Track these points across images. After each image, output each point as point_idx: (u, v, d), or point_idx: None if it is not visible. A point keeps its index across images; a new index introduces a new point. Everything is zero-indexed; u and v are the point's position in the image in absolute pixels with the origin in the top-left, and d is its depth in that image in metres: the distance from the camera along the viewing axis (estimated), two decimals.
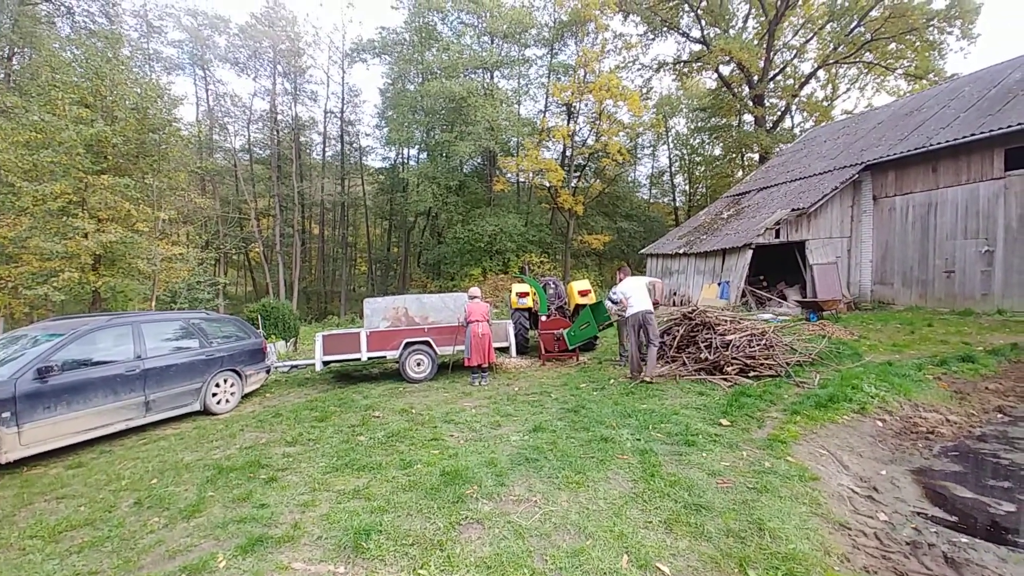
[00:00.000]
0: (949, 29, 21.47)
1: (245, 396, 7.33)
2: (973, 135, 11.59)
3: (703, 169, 38.09)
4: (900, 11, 21.22)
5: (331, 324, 23.34)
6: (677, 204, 39.49)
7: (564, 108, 27.90)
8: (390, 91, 31.20)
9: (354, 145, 33.74)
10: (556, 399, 6.67)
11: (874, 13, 23.51)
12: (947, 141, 12.16)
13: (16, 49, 18.50)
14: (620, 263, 11.76)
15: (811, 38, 27.63)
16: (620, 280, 7.94)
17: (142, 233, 9.77)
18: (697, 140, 37.57)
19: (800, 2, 26.41)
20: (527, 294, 10.23)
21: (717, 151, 36.65)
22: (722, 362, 7.39)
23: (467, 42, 25.45)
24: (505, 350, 8.56)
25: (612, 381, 7.50)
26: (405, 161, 34.34)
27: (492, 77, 26.19)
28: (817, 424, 5.41)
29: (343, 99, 30.80)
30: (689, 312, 8.67)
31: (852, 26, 24.91)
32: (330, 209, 33.81)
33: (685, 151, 38.58)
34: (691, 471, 4.19)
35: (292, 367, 8.37)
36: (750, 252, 14.21)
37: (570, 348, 9.27)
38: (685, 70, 31.19)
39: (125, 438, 5.71)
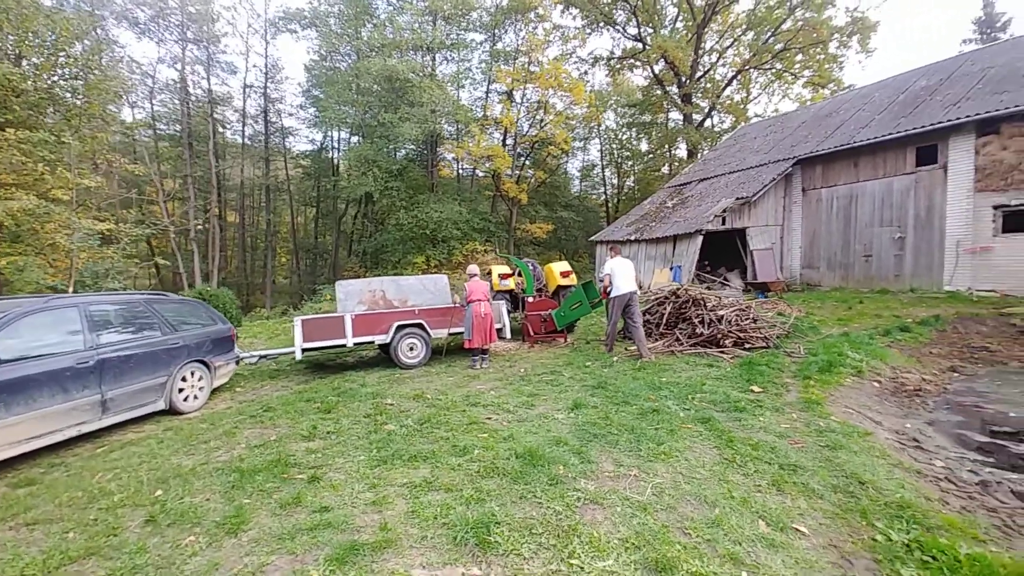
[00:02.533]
0: (849, 43, 24.23)
1: (213, 391, 6.25)
2: (891, 134, 13.08)
3: (631, 163, 39.80)
4: (811, 24, 23.55)
5: (259, 317, 21.30)
6: (607, 196, 40.93)
7: (505, 95, 27.62)
8: (317, 68, 28.87)
9: (275, 125, 30.84)
10: (571, 378, 6.45)
11: (787, 25, 25.87)
12: (868, 139, 13.62)
13: None
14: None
15: (731, 44, 29.79)
16: (610, 259, 7.98)
17: (61, 203, 7.88)
18: (625, 135, 39.15)
19: (722, 9, 28.34)
20: (509, 276, 9.88)
21: (644, 146, 38.44)
22: (719, 336, 7.61)
23: (407, 20, 24.20)
24: (499, 331, 8.17)
25: (616, 359, 7.43)
26: (335, 145, 32.10)
27: (434, 60, 25.19)
28: (830, 387, 5.70)
29: (266, 73, 27.98)
30: (676, 290, 8.86)
31: (767, 36, 27.22)
32: (249, 194, 30.68)
33: (615, 146, 40.05)
34: (759, 435, 4.18)
35: (261, 357, 7.32)
36: (701, 238, 14.95)
37: (559, 329, 9.11)
38: (618, 66, 32.22)
39: (75, 447, 4.57)
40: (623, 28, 29.62)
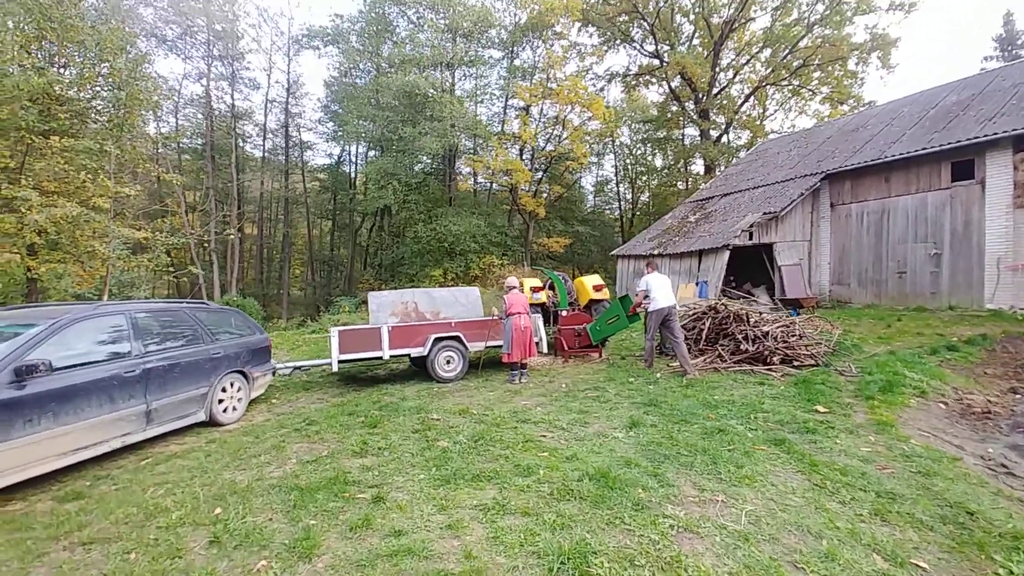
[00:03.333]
0: (869, 60, 24.15)
1: (249, 403, 6.10)
2: (925, 149, 12.83)
3: (646, 179, 39.74)
4: (830, 41, 23.52)
5: (277, 328, 21.28)
6: (622, 211, 40.82)
7: (523, 110, 27.80)
8: (336, 84, 29.32)
9: (294, 139, 31.30)
10: (618, 394, 6.22)
11: (804, 43, 25.87)
12: (901, 154, 13.38)
13: None
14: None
15: (748, 61, 29.84)
16: (647, 273, 7.88)
17: (101, 210, 7.86)
18: (640, 151, 39.18)
19: (738, 27, 28.46)
20: (541, 289, 9.71)
21: (659, 162, 38.45)
22: (766, 352, 7.35)
23: (427, 37, 24.54)
24: (536, 345, 7.96)
25: (659, 375, 7.18)
26: (352, 159, 32.46)
27: (454, 76, 25.48)
28: (896, 408, 5.42)
29: (288, 88, 28.46)
30: (715, 305, 8.62)
31: (784, 54, 27.23)
32: (267, 207, 31.00)
33: (629, 161, 40.07)
34: (842, 459, 3.93)
35: (295, 368, 7.17)
36: (727, 253, 14.70)
37: (594, 343, 8.88)
38: (634, 82, 32.38)
39: (119, 458, 4.41)
40: (640, 45, 29.84)
